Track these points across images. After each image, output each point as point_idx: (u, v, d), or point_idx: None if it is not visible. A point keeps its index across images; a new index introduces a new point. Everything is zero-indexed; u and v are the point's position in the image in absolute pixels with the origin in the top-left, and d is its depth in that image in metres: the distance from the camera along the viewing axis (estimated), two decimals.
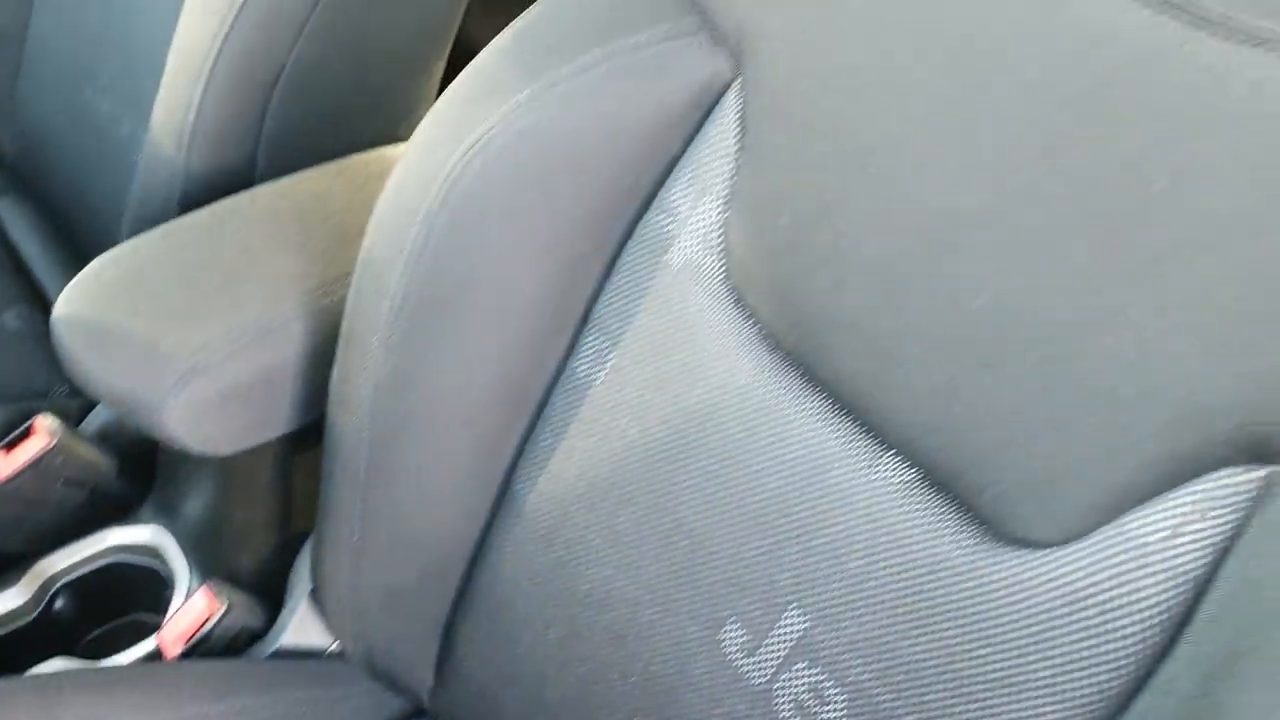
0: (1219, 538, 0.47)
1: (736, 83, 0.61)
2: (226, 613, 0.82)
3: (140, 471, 0.94)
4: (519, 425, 0.71)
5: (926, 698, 0.55)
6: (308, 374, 0.77)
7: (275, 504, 0.87)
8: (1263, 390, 0.45)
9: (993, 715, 0.53)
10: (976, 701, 0.54)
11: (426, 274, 0.65)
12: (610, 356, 0.67)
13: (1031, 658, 0.52)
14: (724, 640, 0.62)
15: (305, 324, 0.77)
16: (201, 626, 0.82)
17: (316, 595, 0.82)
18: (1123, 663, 0.50)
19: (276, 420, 0.78)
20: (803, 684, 0.59)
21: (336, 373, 0.73)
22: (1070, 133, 0.50)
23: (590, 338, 0.68)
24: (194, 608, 0.82)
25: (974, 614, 0.54)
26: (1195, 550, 0.48)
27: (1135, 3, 0.48)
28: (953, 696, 0.54)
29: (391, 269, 0.66)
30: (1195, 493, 0.48)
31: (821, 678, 0.59)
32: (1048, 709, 0.52)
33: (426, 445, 0.71)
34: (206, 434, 0.76)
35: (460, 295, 0.66)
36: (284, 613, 0.84)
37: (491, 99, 0.64)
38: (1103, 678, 0.50)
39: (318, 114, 0.94)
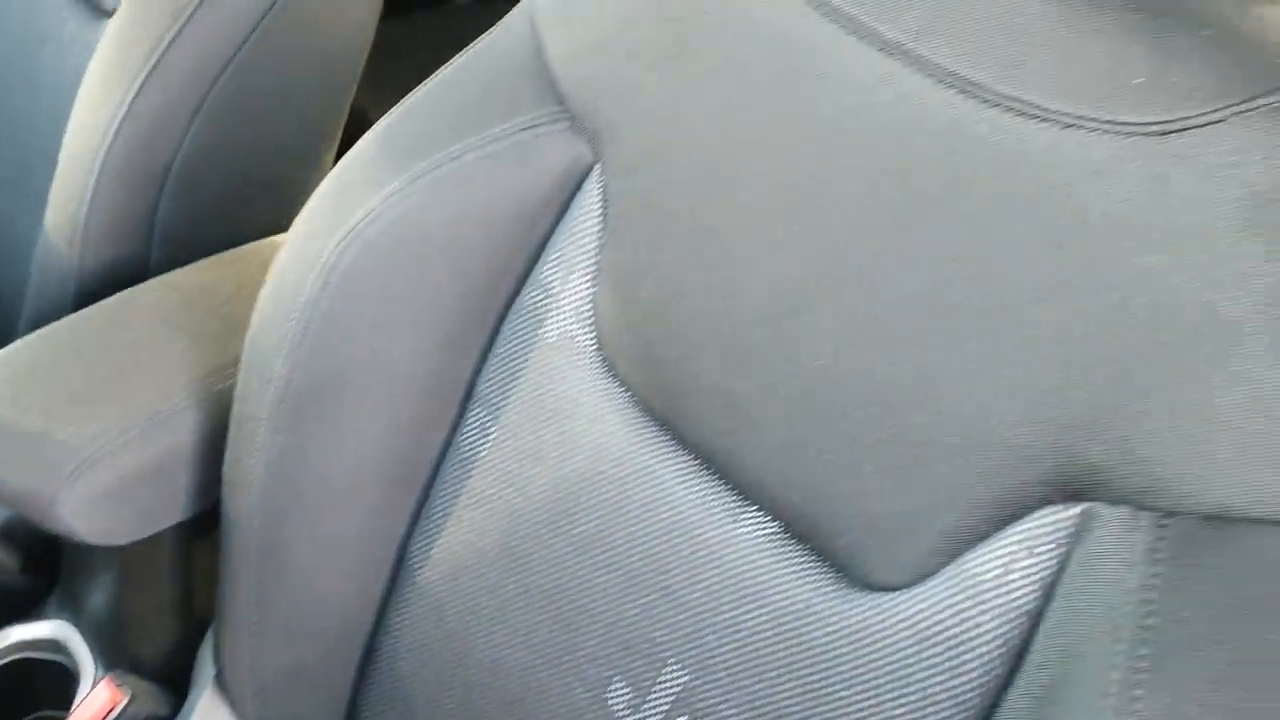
0: (1046, 572, 0.51)
1: (597, 167, 0.65)
2: (130, 702, 0.82)
3: (44, 566, 0.94)
4: (410, 499, 0.73)
5: None
6: (202, 460, 0.79)
7: (176, 590, 0.88)
8: (1071, 434, 0.49)
9: None
10: None
11: (308, 359, 0.68)
12: (492, 429, 0.69)
13: (888, 697, 0.55)
14: (610, 699, 0.65)
15: (198, 411, 0.78)
16: (105, 718, 0.82)
17: (220, 680, 0.83)
18: (969, 696, 0.53)
19: (173, 507, 0.79)
20: None
21: (229, 456, 0.75)
22: (893, 210, 0.54)
23: (474, 412, 0.70)
24: (96, 700, 0.83)
25: (835, 657, 0.57)
26: (1026, 585, 0.51)
27: (940, 86, 0.52)
28: None
29: (275, 355, 0.69)
30: (1022, 531, 0.52)
31: None
32: None
33: (319, 523, 0.73)
34: (103, 525, 0.77)
35: (343, 378, 0.69)
36: (189, 699, 0.85)
37: (366, 189, 0.67)
38: (951, 712, 0.53)
39: (209, 204, 0.96)
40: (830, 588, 0.57)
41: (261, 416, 0.70)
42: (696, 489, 0.62)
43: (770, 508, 0.59)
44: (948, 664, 0.53)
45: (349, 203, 0.67)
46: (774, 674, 0.59)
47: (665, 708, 0.62)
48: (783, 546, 0.59)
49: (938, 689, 0.54)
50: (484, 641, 0.70)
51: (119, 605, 0.89)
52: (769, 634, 0.59)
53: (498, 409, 0.69)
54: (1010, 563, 0.52)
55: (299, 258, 0.69)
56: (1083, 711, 0.46)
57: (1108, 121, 0.49)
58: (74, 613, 0.93)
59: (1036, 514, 0.51)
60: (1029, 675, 0.50)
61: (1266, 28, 0.50)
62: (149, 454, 0.77)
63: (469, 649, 0.70)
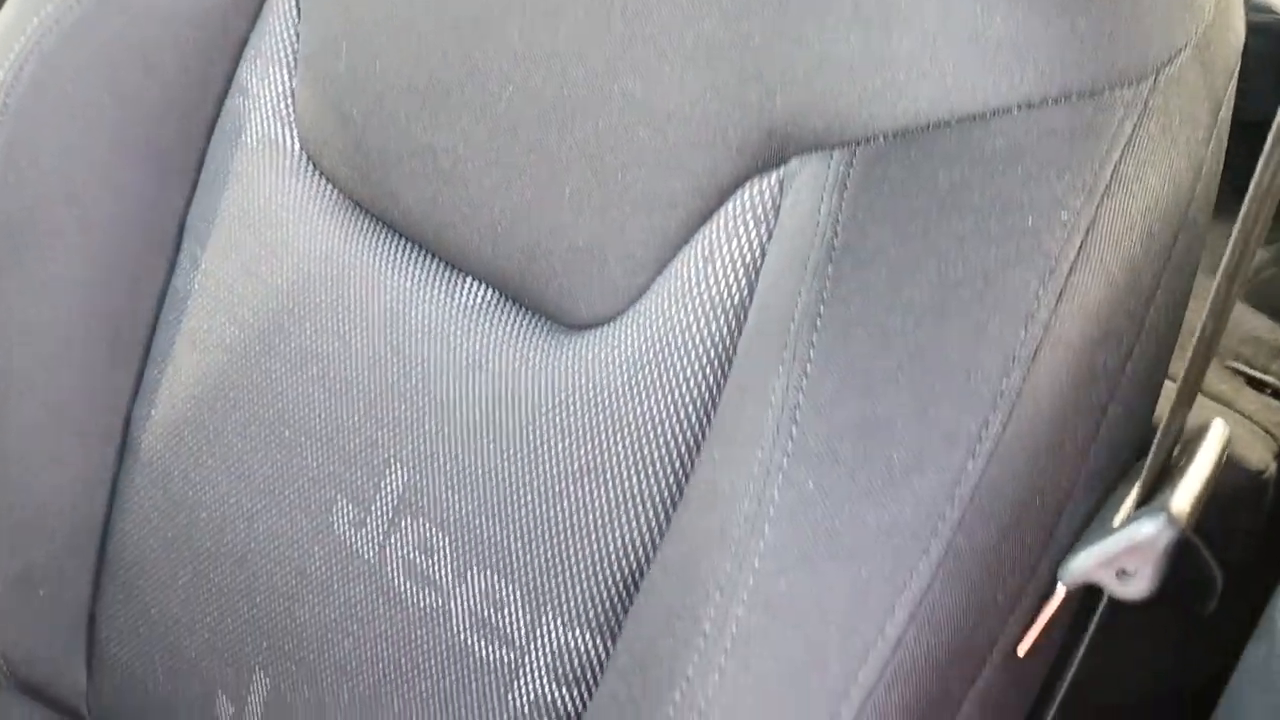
0: (750, 255, 0.46)
1: None
2: None
3: None
4: (131, 362, 0.66)
5: (523, 512, 0.51)
6: None
7: None
8: (756, 93, 0.44)
9: (588, 507, 0.50)
10: (570, 499, 0.50)
11: None
12: (201, 260, 0.63)
13: (609, 439, 0.49)
14: (335, 523, 0.58)
15: None
16: None
17: None
18: (690, 412, 0.47)
19: None
20: (411, 543, 0.55)
21: None
22: None
23: (187, 246, 0.64)
24: None
25: (553, 409, 0.51)
26: (733, 275, 0.46)
27: None
28: (548, 502, 0.51)
29: None
30: (724, 219, 0.47)
31: (428, 529, 0.54)
32: (633, 483, 0.49)
33: (29, 394, 0.66)
34: None
35: (35, 215, 0.62)
36: None
37: (39, 3, 0.62)
38: (677, 433, 0.48)
39: None
40: (546, 340, 0.52)
41: None
42: (410, 272, 0.56)
43: (484, 272, 0.54)
44: (667, 383, 0.48)
45: (23, 15, 0.62)
46: (493, 446, 0.52)
47: (389, 515, 0.56)
48: (498, 312, 0.53)
49: (658, 416, 0.48)
50: (209, 499, 0.62)
51: None
52: (487, 405, 0.53)
53: (204, 237, 0.63)
54: (712, 254, 0.46)
55: None
56: (772, 350, 0.40)
57: None
58: None
59: (735, 195, 0.46)
60: (738, 371, 0.45)
61: None
62: None
63: (195, 516, 0.63)
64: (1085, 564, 0.37)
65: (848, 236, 0.40)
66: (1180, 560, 0.37)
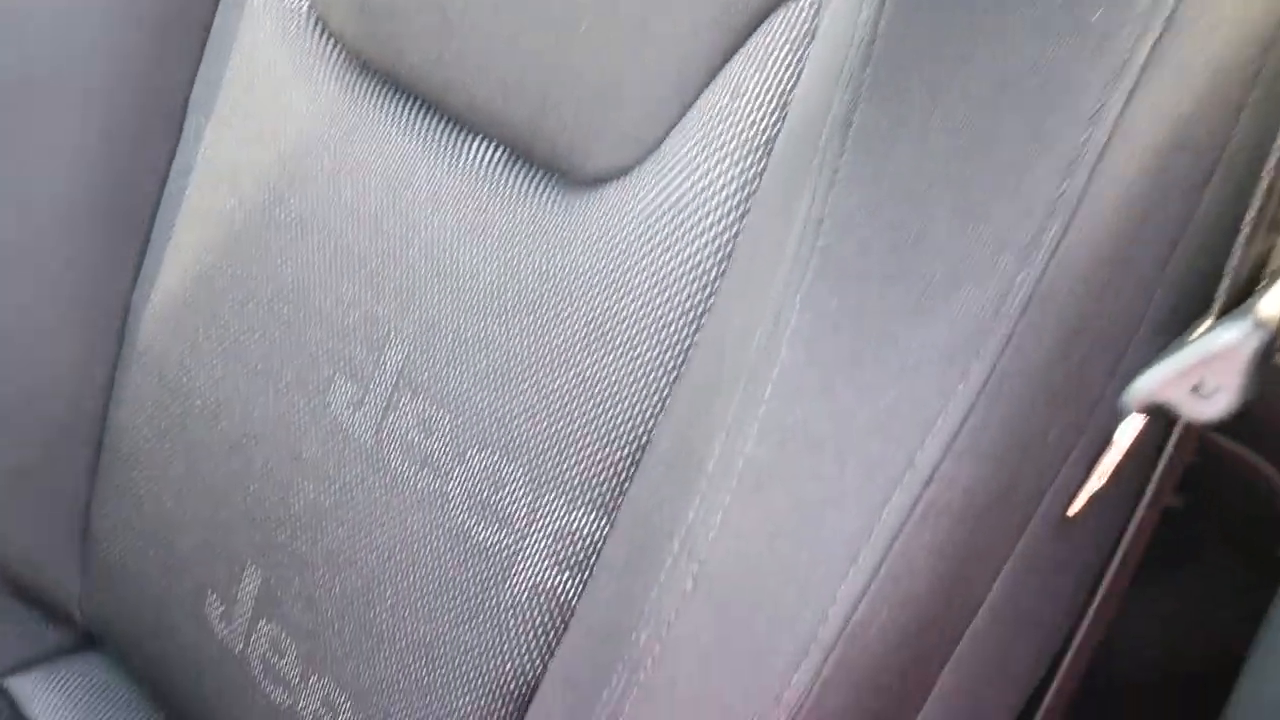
0: (779, 88, 0.41)
1: None
2: None
3: None
4: (129, 244, 0.63)
5: (527, 385, 0.47)
6: None
7: None
8: None
9: (595, 376, 0.46)
10: (577, 368, 0.46)
11: None
12: (205, 133, 0.60)
13: (621, 301, 0.45)
14: (332, 404, 0.54)
15: None
16: None
17: None
18: (706, 267, 0.43)
19: None
20: (409, 422, 0.51)
21: None
22: None
23: (191, 120, 0.61)
24: None
25: (565, 270, 0.47)
26: (758, 111, 0.42)
27: None
28: (553, 373, 0.47)
29: None
30: (752, 48, 0.42)
31: (427, 407, 0.50)
32: (644, 347, 0.44)
33: (24, 276, 0.63)
34: None
35: (28, 81, 0.59)
36: None
37: None
38: (690, 290, 0.43)
39: None
40: (557, 197, 0.47)
41: None
42: (416, 131, 0.52)
43: (493, 128, 0.50)
44: (684, 235, 0.43)
45: None
46: (498, 315, 0.48)
47: (388, 392, 0.52)
48: (507, 170, 0.49)
49: (674, 269, 0.44)
50: (204, 385, 0.59)
51: None
52: (494, 271, 0.49)
53: (210, 107, 0.59)
54: (740, 88, 0.42)
55: None
56: (799, 170, 0.36)
57: None
58: None
59: (767, 20, 0.42)
60: (761, 197, 0.41)
61: None
62: None
63: (189, 404, 0.60)
64: (1156, 379, 0.32)
65: (887, 37, 0.35)
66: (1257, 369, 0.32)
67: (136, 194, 0.62)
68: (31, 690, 0.67)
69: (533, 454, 0.47)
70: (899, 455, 0.33)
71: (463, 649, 0.48)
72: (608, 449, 0.45)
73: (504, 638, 0.47)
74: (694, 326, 0.43)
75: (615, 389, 0.44)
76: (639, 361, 0.44)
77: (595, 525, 0.45)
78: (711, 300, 0.42)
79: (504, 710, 0.48)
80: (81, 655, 0.70)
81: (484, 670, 0.48)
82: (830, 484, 0.34)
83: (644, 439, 0.44)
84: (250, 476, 0.57)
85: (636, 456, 0.44)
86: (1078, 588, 0.40)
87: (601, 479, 0.45)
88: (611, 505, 0.45)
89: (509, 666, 0.47)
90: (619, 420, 0.44)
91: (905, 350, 0.33)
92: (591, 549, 0.45)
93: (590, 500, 0.45)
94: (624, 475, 0.44)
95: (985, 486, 0.34)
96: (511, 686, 0.47)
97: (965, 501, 0.34)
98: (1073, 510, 0.36)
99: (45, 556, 0.68)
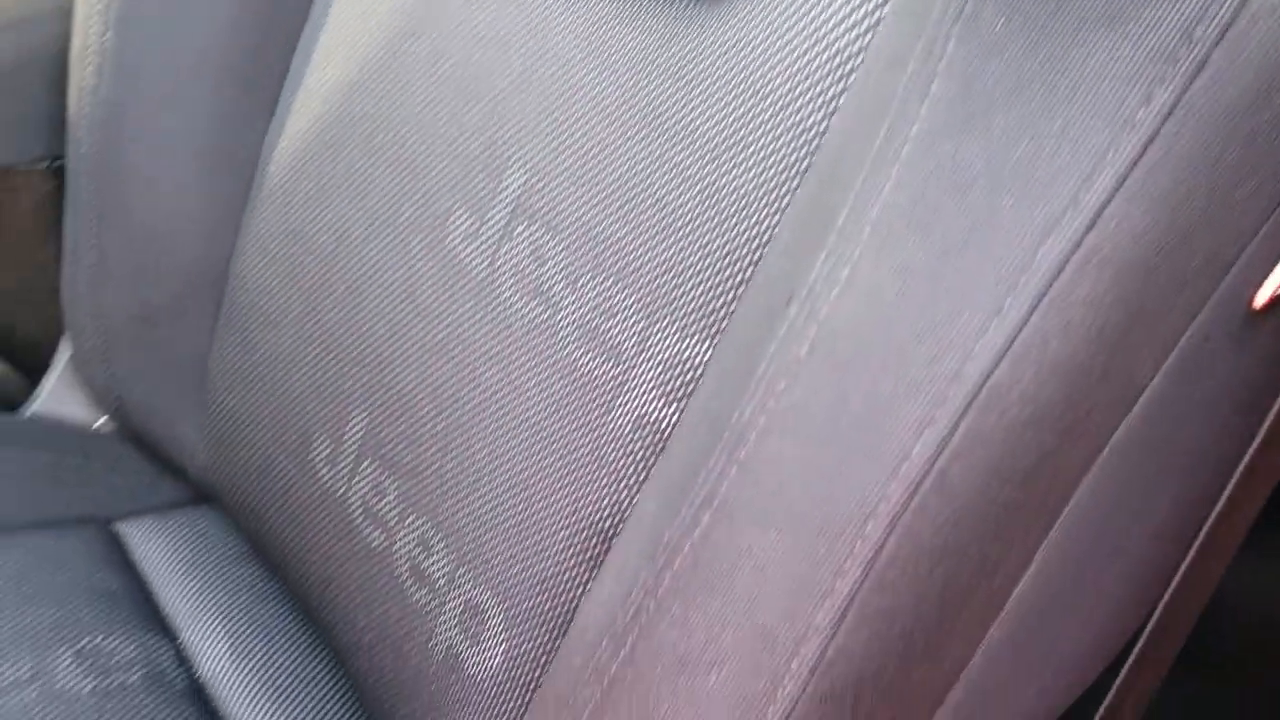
0: None
1: None
2: None
3: None
4: (263, 91, 0.63)
5: (645, 206, 0.45)
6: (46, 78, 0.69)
7: (33, 267, 0.78)
8: None
9: (719, 194, 0.43)
10: (701, 185, 0.44)
11: None
12: None
13: (747, 113, 0.43)
14: (448, 237, 0.53)
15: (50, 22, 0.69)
16: None
17: (74, 359, 0.73)
18: (849, 41, 0.40)
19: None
20: (524, 250, 0.49)
21: (72, 58, 0.66)
22: None
23: None
24: None
25: (691, 82, 0.44)
26: None
27: None
28: (674, 193, 0.44)
29: None
30: None
31: (541, 235, 0.49)
32: (768, 162, 0.42)
33: (159, 120, 0.63)
34: None
35: None
36: (41, 384, 0.75)
37: None
38: (830, 68, 0.40)
39: None
40: (690, 5, 0.45)
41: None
42: None
43: None
44: (830, 14, 0.41)
45: None
46: (625, 130, 0.46)
47: (504, 222, 0.50)
48: None
49: (800, 78, 0.41)
50: (327, 223, 0.58)
51: None
52: (619, 89, 0.47)
53: None
54: None
55: None
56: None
57: None
58: None
59: None
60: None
61: None
62: None
63: (311, 244, 0.59)
64: None
65: None
66: None
67: (271, 38, 0.62)
68: (141, 536, 0.68)
69: (648, 280, 0.45)
70: (1060, 191, 0.29)
71: (560, 484, 0.47)
72: (725, 270, 0.42)
73: (603, 471, 0.45)
74: (818, 140, 0.40)
75: (742, 202, 0.42)
76: (765, 178, 0.41)
77: (702, 353, 0.43)
78: (847, 86, 0.39)
79: (596, 548, 0.46)
80: (192, 508, 0.70)
81: (580, 506, 0.46)
82: (977, 226, 0.30)
83: (759, 257, 0.41)
84: (362, 316, 0.56)
85: (749, 275, 0.41)
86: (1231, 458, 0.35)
87: (716, 305, 0.43)
88: (717, 331, 0.42)
89: (605, 501, 0.45)
90: (740, 237, 0.42)
91: (1079, 72, 0.29)
92: (694, 379, 0.43)
93: (703, 328, 0.43)
94: (734, 299, 0.42)
95: (1156, 238, 0.29)
96: (606, 524, 0.45)
97: (1132, 251, 0.29)
98: (1260, 299, 0.31)
99: (165, 405, 0.69)
